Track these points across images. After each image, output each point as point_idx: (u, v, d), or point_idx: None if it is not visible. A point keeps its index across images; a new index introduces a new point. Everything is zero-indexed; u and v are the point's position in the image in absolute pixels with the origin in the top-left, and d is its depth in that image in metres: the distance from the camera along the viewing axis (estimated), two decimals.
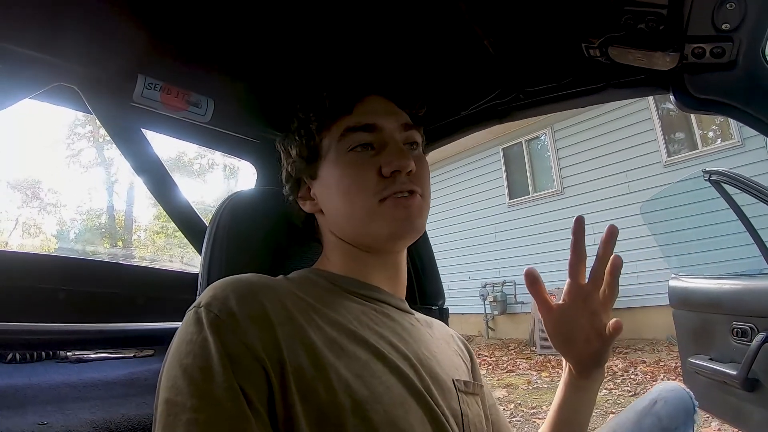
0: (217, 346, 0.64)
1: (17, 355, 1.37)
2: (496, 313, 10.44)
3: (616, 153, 8.87)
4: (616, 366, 6.44)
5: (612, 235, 0.97)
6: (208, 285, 0.76)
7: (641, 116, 8.53)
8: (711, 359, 2.86)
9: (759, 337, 2.47)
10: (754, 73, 1.02)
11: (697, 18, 0.95)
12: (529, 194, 10.46)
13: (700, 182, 3.10)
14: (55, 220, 19.13)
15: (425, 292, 1.59)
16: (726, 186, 2.98)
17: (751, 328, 2.58)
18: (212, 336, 0.65)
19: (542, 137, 10.35)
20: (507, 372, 7.19)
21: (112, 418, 1.15)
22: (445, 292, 1.65)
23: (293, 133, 0.99)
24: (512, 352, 8.86)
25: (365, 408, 0.68)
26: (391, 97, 0.98)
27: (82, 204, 20.03)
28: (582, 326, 0.96)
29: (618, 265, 0.96)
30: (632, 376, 5.94)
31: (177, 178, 1.54)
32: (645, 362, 6.56)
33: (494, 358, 8.28)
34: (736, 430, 3.07)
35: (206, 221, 1.52)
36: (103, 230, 18.88)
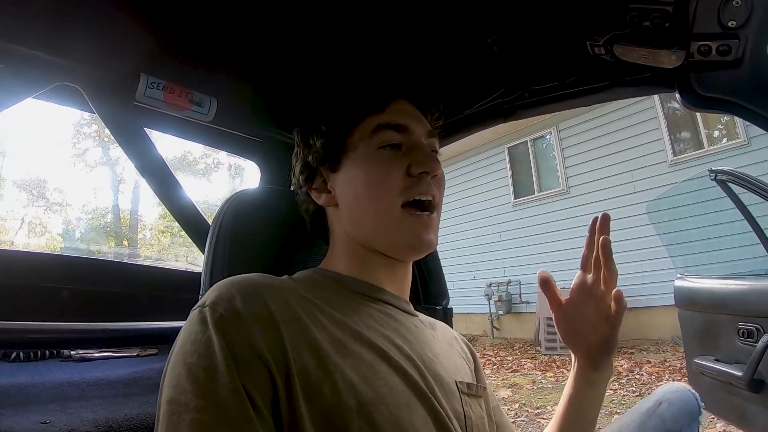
0: (221, 345, 0.64)
1: (20, 354, 1.37)
2: (501, 312, 10.43)
3: (621, 152, 8.85)
4: (621, 366, 6.42)
5: (605, 221, 0.99)
6: (211, 284, 0.75)
7: (647, 115, 8.50)
8: (716, 360, 2.86)
9: (765, 338, 2.46)
10: (761, 70, 1.02)
11: (703, 15, 0.94)
12: (534, 194, 10.45)
13: (706, 182, 3.10)
14: (60, 219, 19.24)
15: (430, 291, 1.59)
16: (732, 185, 2.98)
17: (757, 328, 2.57)
18: (217, 336, 0.65)
19: (547, 136, 10.33)
20: (512, 372, 7.18)
21: (115, 417, 1.15)
22: (449, 291, 1.64)
23: (318, 123, 0.98)
24: (517, 351, 8.85)
25: (370, 409, 0.68)
26: (416, 104, 1.00)
27: (88, 203, 20.11)
28: (590, 315, 0.99)
29: (606, 244, 0.96)
30: (637, 377, 5.92)
31: (182, 177, 1.55)
32: (650, 363, 6.54)
33: (499, 358, 8.27)
34: (741, 431, 3.05)
35: (210, 220, 1.52)
36: (108, 229, 18.95)
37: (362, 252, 0.93)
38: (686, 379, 3.37)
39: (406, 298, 0.99)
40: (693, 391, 1.27)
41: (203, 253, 1.08)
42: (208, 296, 0.71)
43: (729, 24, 0.94)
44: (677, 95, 1.14)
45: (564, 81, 1.31)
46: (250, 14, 1.16)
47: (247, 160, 1.81)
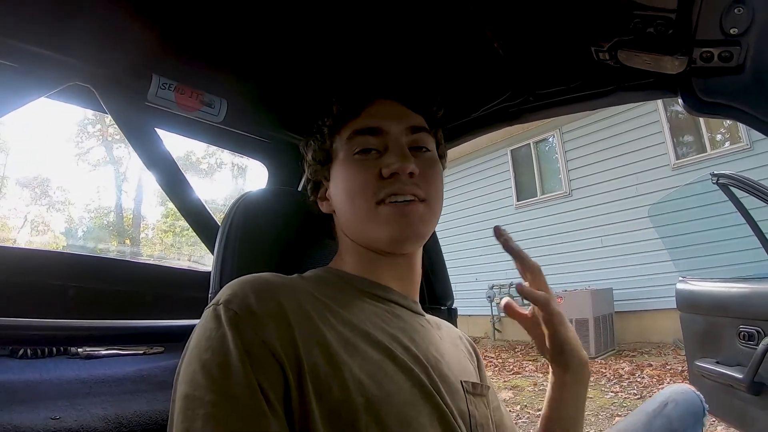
0: (235, 342, 0.65)
1: (28, 351, 1.38)
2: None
3: (624, 155, 8.82)
4: (623, 369, 6.42)
5: (497, 232, 1.05)
6: (221, 283, 0.77)
7: (650, 119, 8.48)
8: (717, 362, 2.86)
9: (766, 341, 2.47)
10: (762, 77, 1.02)
11: (706, 22, 0.95)
12: (536, 196, 10.43)
13: (708, 185, 3.10)
14: (63, 217, 19.28)
15: (434, 292, 1.60)
16: (734, 189, 2.98)
17: (758, 331, 2.58)
18: (231, 332, 0.66)
19: (550, 139, 10.32)
20: (513, 374, 7.17)
21: (125, 414, 1.15)
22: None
23: (311, 137, 1.02)
24: (519, 354, 8.84)
25: (377, 407, 0.69)
26: (401, 101, 1.00)
27: (91, 202, 20.15)
28: (545, 320, 1.00)
29: (506, 243, 1.04)
30: (638, 380, 5.92)
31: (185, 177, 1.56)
32: (651, 365, 6.53)
33: (501, 360, 8.26)
34: None
35: (217, 220, 1.53)
36: (111, 228, 18.97)
37: (364, 252, 0.95)
38: (688, 381, 3.38)
39: (413, 298, 1.00)
40: (698, 393, 1.28)
41: (211, 252, 1.09)
42: (221, 294, 0.73)
43: (731, 31, 0.95)
44: (680, 100, 1.14)
45: (569, 85, 1.32)
46: (260, 17, 1.17)
47: (252, 160, 1.82)
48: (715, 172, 3.04)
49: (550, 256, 9.46)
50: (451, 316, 1.57)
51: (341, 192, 0.94)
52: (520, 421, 4.79)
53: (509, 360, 8.21)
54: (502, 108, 1.46)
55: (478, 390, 0.92)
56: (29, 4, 1.05)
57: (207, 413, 0.60)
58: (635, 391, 5.42)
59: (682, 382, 4.95)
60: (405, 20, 1.20)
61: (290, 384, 0.66)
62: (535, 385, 6.26)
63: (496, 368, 7.62)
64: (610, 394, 5.33)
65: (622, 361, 6.97)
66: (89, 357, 1.43)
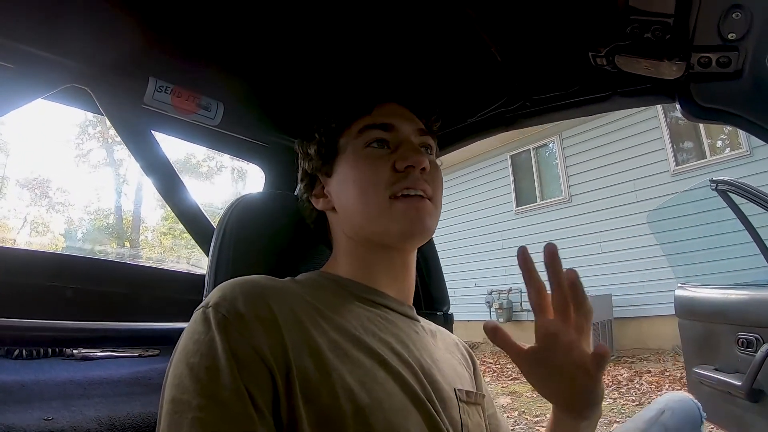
0: (224, 346, 0.65)
1: (23, 352, 1.38)
2: (501, 320, 10.39)
3: (624, 161, 8.84)
4: (621, 376, 6.42)
5: (552, 255, 0.81)
6: (215, 286, 0.76)
7: (650, 125, 8.50)
8: (716, 369, 2.86)
9: (764, 348, 2.47)
10: (760, 82, 1.02)
11: (704, 27, 0.95)
12: (536, 202, 10.44)
13: (708, 191, 3.10)
14: (63, 219, 19.30)
15: (431, 297, 1.59)
16: (733, 195, 2.98)
17: (756, 338, 2.58)
18: (220, 336, 0.66)
19: (550, 145, 10.33)
20: (512, 380, 7.17)
21: (118, 416, 1.15)
22: (450, 298, 1.64)
23: (313, 131, 1.01)
24: None
25: (366, 414, 0.68)
26: (408, 106, 1.01)
27: (90, 204, 20.17)
28: (561, 364, 0.79)
29: (573, 278, 0.80)
30: (637, 386, 5.92)
31: (185, 180, 1.56)
32: (650, 372, 6.53)
33: (499, 366, 8.26)
34: None
35: (214, 223, 1.53)
36: (110, 230, 19.00)
37: (362, 252, 0.94)
38: (686, 388, 3.37)
39: (409, 302, 0.99)
40: (695, 400, 1.27)
41: (207, 255, 1.09)
42: (211, 297, 0.72)
43: (729, 36, 0.95)
44: (678, 106, 1.14)
45: (566, 91, 1.32)
46: (257, 20, 1.17)
47: (251, 164, 1.82)
48: (714, 178, 3.04)
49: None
50: (447, 321, 1.56)
51: (350, 184, 0.93)
52: (517, 427, 4.79)
53: (508, 365, 8.19)
54: (498, 113, 1.45)
55: (472, 398, 0.92)
56: (25, 5, 1.05)
57: (194, 417, 0.60)
58: (634, 398, 5.41)
59: (681, 388, 4.95)
60: (401, 24, 1.20)
61: (279, 389, 0.65)
62: (533, 390, 6.24)
63: (495, 374, 7.62)
64: (609, 400, 5.32)
65: (620, 367, 6.96)
66: (85, 358, 1.43)
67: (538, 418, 4.99)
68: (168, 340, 1.48)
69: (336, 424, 0.66)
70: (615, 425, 4.46)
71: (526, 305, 9.95)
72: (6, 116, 1.19)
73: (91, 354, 1.45)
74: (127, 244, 18.65)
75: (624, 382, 6.13)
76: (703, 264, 5.18)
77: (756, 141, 6.90)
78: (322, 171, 0.99)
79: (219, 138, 1.60)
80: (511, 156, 10.98)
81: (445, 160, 1.08)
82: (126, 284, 1.64)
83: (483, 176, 11.49)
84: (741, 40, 0.96)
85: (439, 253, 1.64)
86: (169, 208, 1.57)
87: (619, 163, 8.92)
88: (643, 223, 7.01)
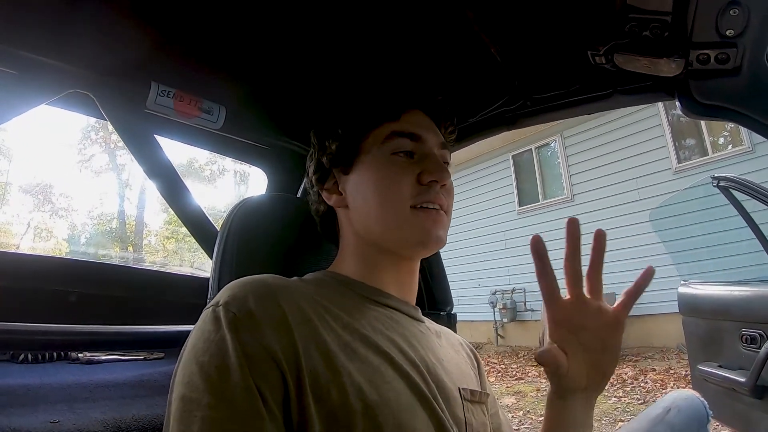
0: (234, 345, 0.65)
1: (29, 356, 1.39)
2: (505, 320, 10.39)
3: (626, 159, 8.82)
4: (626, 374, 6.40)
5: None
6: (219, 289, 0.76)
7: (651, 122, 8.49)
8: (720, 366, 2.85)
9: None
10: (759, 78, 1.03)
11: (701, 24, 0.96)
12: (539, 201, 10.43)
13: (710, 188, 3.10)
14: (66, 224, 19.34)
15: (434, 298, 1.59)
16: (735, 192, 2.98)
17: (760, 334, 2.57)
18: (230, 335, 0.66)
19: (552, 144, 10.32)
20: (516, 379, 7.16)
21: (123, 418, 1.16)
22: (454, 299, 1.65)
23: (334, 125, 1.00)
24: (522, 359, 8.82)
25: (375, 412, 0.68)
26: (431, 115, 1.01)
27: (94, 209, 20.22)
28: (594, 328, 0.87)
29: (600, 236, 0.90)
30: (642, 384, 5.90)
31: (188, 183, 1.56)
32: (655, 370, 6.51)
33: (503, 366, 8.25)
34: None
35: (217, 226, 1.53)
36: (113, 235, 19.03)
37: (370, 253, 0.95)
38: (691, 386, 3.37)
39: (413, 304, 1.00)
40: (702, 398, 1.27)
41: (210, 258, 1.09)
42: (221, 296, 0.72)
43: (727, 33, 0.96)
44: (677, 103, 1.15)
45: (566, 90, 1.32)
46: (259, 23, 1.17)
47: (254, 167, 1.83)
48: (716, 175, 3.03)
49: (552, 261, 9.45)
50: (450, 321, 1.56)
51: (371, 189, 0.93)
52: (522, 427, 4.78)
53: (512, 365, 8.19)
54: (499, 113, 1.46)
55: (476, 397, 0.92)
56: (29, 11, 1.06)
57: (204, 416, 0.60)
58: (638, 396, 5.40)
59: (686, 386, 4.94)
60: (401, 26, 1.21)
61: (289, 387, 0.66)
62: (538, 390, 6.24)
63: (499, 374, 7.61)
64: (614, 399, 5.31)
65: (625, 365, 6.94)
66: (90, 362, 1.44)
67: (542, 418, 4.98)
68: (172, 343, 1.48)
69: (345, 422, 0.66)
70: (620, 423, 4.45)
71: (530, 305, 9.96)
72: (7, 123, 1.20)
73: (96, 357, 1.46)
74: (130, 248, 18.68)
75: (629, 381, 6.12)
76: (706, 261, 5.18)
77: (758, 137, 6.89)
78: (339, 167, 0.99)
79: (221, 141, 1.61)
80: (513, 156, 10.97)
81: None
82: (130, 288, 1.64)
83: (485, 177, 11.48)
84: (739, 36, 0.96)
85: (442, 254, 1.64)
86: (171, 212, 1.58)
87: (621, 161, 8.90)
88: (645, 221, 7.00)
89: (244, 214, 1.05)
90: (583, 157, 9.63)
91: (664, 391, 5.42)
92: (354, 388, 0.69)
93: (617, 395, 5.46)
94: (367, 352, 0.76)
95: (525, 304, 10.17)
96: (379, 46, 1.28)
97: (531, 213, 10.49)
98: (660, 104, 7.67)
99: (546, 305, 0.89)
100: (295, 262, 1.09)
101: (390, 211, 0.90)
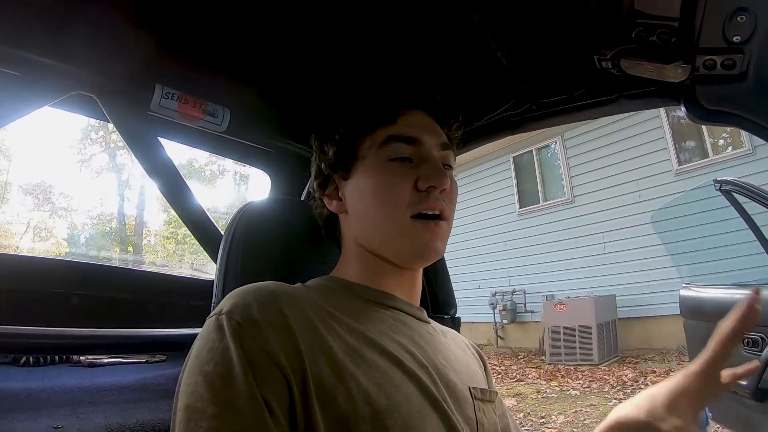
0: (238, 353, 0.64)
1: (30, 359, 1.38)
2: (505, 322, 10.40)
3: (626, 161, 8.84)
4: (626, 376, 6.40)
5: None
6: (224, 292, 0.76)
7: (652, 125, 8.50)
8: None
9: None
10: (765, 84, 1.02)
11: (708, 30, 0.95)
12: (539, 203, 10.44)
13: (711, 191, 3.09)
14: (66, 224, 19.32)
15: (438, 301, 1.59)
16: (736, 195, 2.98)
17: (762, 338, 2.57)
18: (234, 343, 0.65)
19: (553, 146, 10.33)
20: (516, 381, 7.16)
21: (126, 422, 1.15)
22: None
23: (332, 132, 0.98)
24: (522, 361, 8.82)
25: (383, 417, 0.68)
26: (432, 114, 0.99)
27: (93, 209, 20.18)
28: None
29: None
30: (642, 387, 5.89)
31: (188, 184, 1.56)
32: (655, 372, 6.51)
33: (504, 367, 8.25)
34: None
35: (219, 228, 1.53)
36: (113, 235, 19.02)
37: (371, 259, 0.93)
38: None
39: (417, 306, 0.99)
40: None
41: (212, 260, 1.09)
42: (224, 304, 0.72)
43: (734, 39, 0.95)
44: (683, 108, 1.14)
45: (572, 94, 1.32)
46: (263, 26, 1.17)
47: (254, 169, 1.82)
48: (718, 178, 3.03)
49: (552, 263, 9.47)
50: (454, 324, 1.56)
51: (369, 196, 0.91)
52: (523, 428, 4.78)
53: (512, 367, 8.19)
54: (504, 117, 1.45)
55: (486, 396, 0.91)
56: (32, 13, 1.05)
57: (209, 425, 0.59)
58: None
59: None
60: (408, 30, 1.20)
61: (295, 395, 0.65)
62: (538, 392, 6.24)
63: (499, 375, 7.61)
64: (614, 401, 5.30)
65: (625, 367, 6.95)
66: (92, 365, 1.43)
67: (543, 420, 4.99)
68: (175, 346, 1.48)
69: (354, 428, 0.66)
70: None
71: (530, 306, 9.98)
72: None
73: (98, 360, 1.46)
74: (130, 248, 18.67)
75: (629, 383, 6.12)
76: (707, 263, 5.18)
77: (758, 140, 6.88)
78: (338, 172, 0.97)
79: (225, 144, 1.61)
80: (514, 157, 10.99)
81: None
82: (132, 290, 1.64)
83: (486, 178, 11.49)
84: (746, 42, 0.96)
85: (444, 255, 1.64)
86: (171, 213, 1.58)
87: (621, 163, 8.92)
88: (646, 223, 7.02)
89: (248, 218, 1.05)
90: (583, 158, 9.64)
91: None
92: (361, 394, 0.68)
93: (617, 397, 5.46)
94: (374, 356, 0.76)
95: (525, 306, 10.19)
96: (385, 49, 1.27)
97: (531, 215, 10.50)
98: None
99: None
100: (300, 267, 1.08)
101: (388, 221, 0.89)
